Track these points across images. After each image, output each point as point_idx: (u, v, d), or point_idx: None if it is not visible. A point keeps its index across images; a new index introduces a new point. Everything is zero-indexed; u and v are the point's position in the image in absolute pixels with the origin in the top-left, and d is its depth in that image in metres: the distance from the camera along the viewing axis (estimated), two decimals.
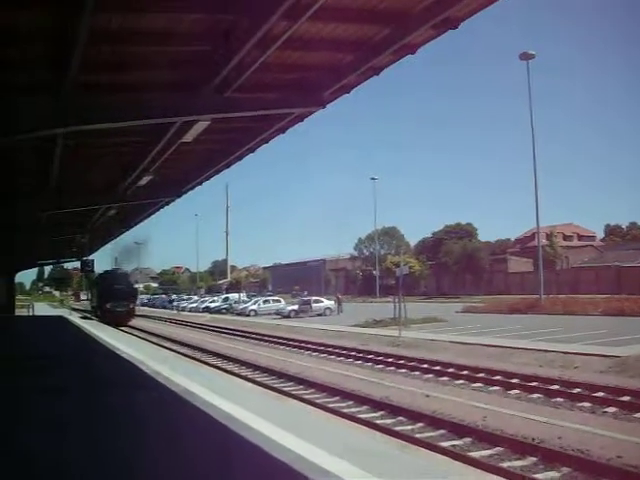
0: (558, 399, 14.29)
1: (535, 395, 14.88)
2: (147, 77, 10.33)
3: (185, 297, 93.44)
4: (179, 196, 23.03)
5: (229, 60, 9.17)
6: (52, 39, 8.22)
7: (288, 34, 8.64)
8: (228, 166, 18.96)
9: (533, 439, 10.69)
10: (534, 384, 16.01)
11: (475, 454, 10.07)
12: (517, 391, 15.47)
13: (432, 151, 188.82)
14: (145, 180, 18.17)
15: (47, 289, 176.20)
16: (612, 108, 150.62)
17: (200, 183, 21.47)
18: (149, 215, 30.22)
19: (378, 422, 12.41)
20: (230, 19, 8.49)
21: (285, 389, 16.77)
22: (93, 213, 24.66)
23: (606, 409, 13.09)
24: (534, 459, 9.64)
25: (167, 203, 25.65)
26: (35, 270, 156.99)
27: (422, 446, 9.81)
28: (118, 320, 45.92)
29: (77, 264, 62.84)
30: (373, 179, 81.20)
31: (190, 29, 8.69)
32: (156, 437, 7.95)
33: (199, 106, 10.99)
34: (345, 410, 13.72)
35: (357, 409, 14.06)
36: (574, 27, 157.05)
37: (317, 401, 14.81)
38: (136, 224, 35.09)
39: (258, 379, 18.83)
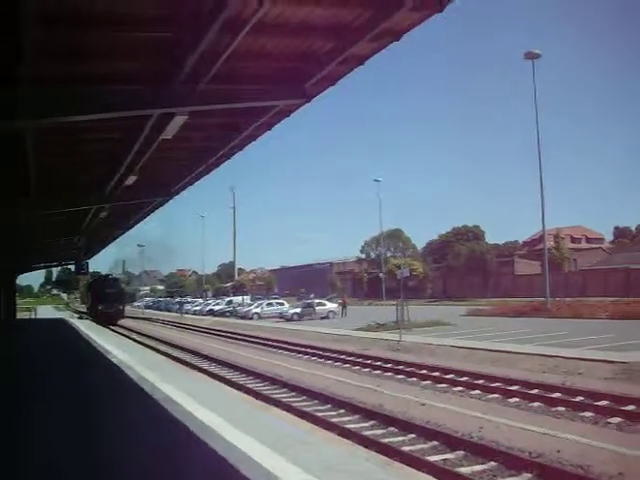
0: (559, 408, 13.62)
1: (536, 404, 14.21)
2: (109, 67, 9.67)
3: (189, 300, 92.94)
4: (170, 197, 22.46)
5: (196, 47, 8.53)
6: None
7: (258, 16, 7.97)
8: (217, 165, 18.36)
9: (530, 453, 10.05)
10: (535, 392, 15.37)
11: (466, 469, 9.41)
12: (517, 399, 14.80)
13: (439, 153, 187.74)
14: (131, 180, 17.57)
15: (55, 291, 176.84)
16: (619, 110, 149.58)
17: (190, 183, 20.87)
18: (144, 216, 29.65)
19: (367, 433, 11.78)
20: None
21: (274, 396, 16.16)
22: (84, 215, 24.14)
23: (609, 419, 12.41)
24: (529, 475, 8.96)
25: (160, 204, 25.11)
26: (43, 273, 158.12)
27: (408, 463, 9.14)
28: (109, 320, 52.96)
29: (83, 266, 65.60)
30: (376, 181, 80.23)
31: (154, 13, 8.05)
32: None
33: (171, 98, 10.32)
34: (334, 420, 13.09)
35: (348, 418, 13.44)
36: (582, 30, 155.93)
37: (306, 409, 14.20)
38: (131, 226, 34.57)
39: (249, 385, 18.26)
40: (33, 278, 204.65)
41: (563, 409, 13.49)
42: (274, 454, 7.90)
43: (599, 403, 13.67)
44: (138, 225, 34.59)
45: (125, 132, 13.37)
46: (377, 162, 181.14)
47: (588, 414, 12.88)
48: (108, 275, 66.79)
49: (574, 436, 11.04)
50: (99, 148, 15.07)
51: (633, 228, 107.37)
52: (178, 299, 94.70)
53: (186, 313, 76.12)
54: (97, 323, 49.12)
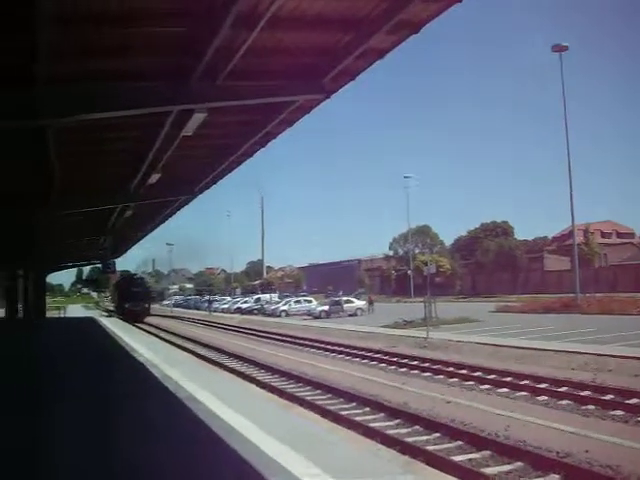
0: (589, 406, 13.31)
1: (564, 402, 13.91)
2: (126, 64, 9.60)
3: (218, 298, 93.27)
4: (194, 195, 22.46)
5: (211, 42, 8.42)
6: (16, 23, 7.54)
7: (273, 10, 7.85)
8: (239, 162, 18.27)
9: (557, 453, 9.79)
10: (564, 389, 15.08)
11: (491, 470, 9.19)
12: (545, 397, 14.51)
13: (468, 149, 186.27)
14: (154, 178, 17.56)
15: (85, 290, 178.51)
16: None
17: (214, 181, 20.81)
18: (169, 215, 29.67)
19: (391, 432, 11.60)
20: None
21: (298, 394, 16.03)
22: (110, 214, 24.24)
23: None
24: (556, 476, 8.72)
25: (185, 202, 25.10)
26: (74, 272, 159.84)
27: (431, 463, 8.96)
28: (136, 317, 55.89)
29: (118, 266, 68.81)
30: (406, 177, 79.93)
31: (169, 7, 7.96)
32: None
33: (189, 94, 10.24)
34: (359, 418, 12.93)
35: (372, 417, 13.26)
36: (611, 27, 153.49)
37: (330, 408, 14.04)
38: (158, 224, 34.64)
39: (274, 383, 18.15)
40: (64, 277, 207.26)
41: (592, 407, 13.18)
42: (293, 452, 7.79)
43: (629, 401, 13.34)
44: (165, 224, 34.78)
45: (146, 130, 13.34)
46: (406, 159, 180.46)
47: (618, 412, 12.57)
48: (134, 274, 70.12)
49: (604, 435, 10.77)
50: (121, 146, 15.07)
51: None
52: (207, 297, 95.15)
53: (214, 311, 76.42)
54: (124, 321, 51.63)
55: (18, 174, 15.80)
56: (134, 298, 60.27)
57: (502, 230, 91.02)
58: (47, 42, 7.71)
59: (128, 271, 76.39)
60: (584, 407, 13.30)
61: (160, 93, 10.20)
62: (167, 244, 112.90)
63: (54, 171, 15.18)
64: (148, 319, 59.33)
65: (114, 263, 49.49)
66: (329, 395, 16.01)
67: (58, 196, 18.18)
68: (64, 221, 24.32)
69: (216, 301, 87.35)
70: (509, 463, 9.54)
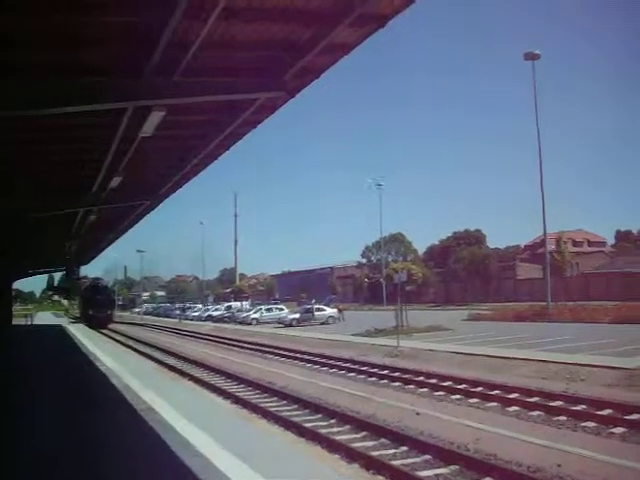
0: (560, 417, 13.01)
1: (535, 412, 13.60)
2: (72, 57, 8.97)
3: (189, 305, 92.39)
4: (159, 199, 21.85)
5: (163, 32, 7.88)
6: None
7: None
8: (205, 164, 17.69)
9: (528, 467, 9.41)
10: (535, 399, 14.77)
11: None
12: (516, 408, 14.18)
13: (440, 156, 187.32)
14: (115, 182, 16.96)
15: (56, 298, 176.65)
16: (621, 111, 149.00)
17: (179, 185, 20.19)
18: (135, 221, 28.93)
19: (356, 445, 11.14)
20: None
21: (262, 405, 15.52)
22: (73, 218, 23.52)
23: (613, 429, 11.78)
24: None
25: (151, 207, 24.45)
26: (45, 279, 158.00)
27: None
28: (99, 323, 58.98)
29: (86, 272, 71.74)
30: (379, 185, 79.59)
31: None
32: None
33: (143, 90, 9.73)
34: (323, 430, 12.46)
35: (338, 429, 12.80)
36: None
37: (294, 419, 13.55)
38: (124, 231, 33.85)
39: (239, 394, 17.57)
40: (35, 284, 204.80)
41: (564, 418, 12.88)
42: (247, 469, 7.40)
43: (602, 412, 13.04)
44: (136, 230, 33.97)
45: (102, 129, 12.72)
46: (378, 165, 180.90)
47: (591, 424, 12.26)
48: (98, 283, 71.64)
49: (576, 448, 10.43)
50: (75, 147, 14.43)
51: (635, 232, 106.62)
52: (177, 305, 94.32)
53: (185, 319, 75.62)
54: (89, 327, 55.82)
55: None
56: (98, 305, 62.93)
57: (475, 239, 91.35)
58: None
59: (99, 278, 76.84)
60: (555, 418, 12.99)
61: (112, 88, 9.64)
62: (138, 251, 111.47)
63: (7, 170, 14.55)
64: (116, 327, 60.45)
65: (78, 269, 49.70)
66: (295, 406, 15.53)
67: (18, 197, 17.52)
68: (28, 225, 23.58)
69: (187, 309, 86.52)
70: (478, 479, 9.14)
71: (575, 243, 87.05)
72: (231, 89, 10.59)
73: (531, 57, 40.81)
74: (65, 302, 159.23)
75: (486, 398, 15.41)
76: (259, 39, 9.25)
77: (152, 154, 15.63)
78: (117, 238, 38.92)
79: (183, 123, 13.62)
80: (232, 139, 15.00)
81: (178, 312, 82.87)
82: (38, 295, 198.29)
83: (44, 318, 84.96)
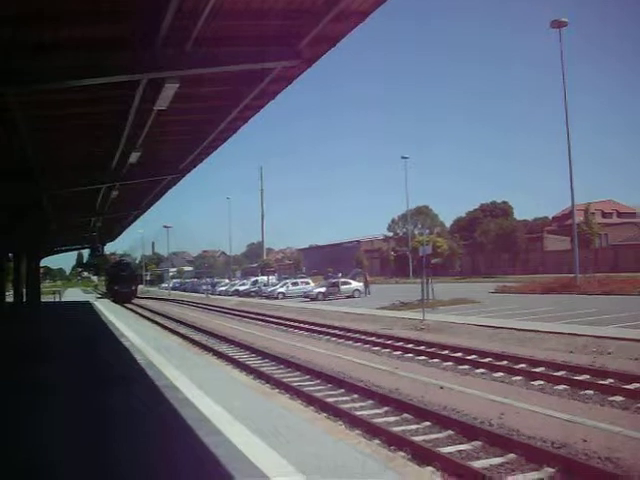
0: (587, 391, 12.69)
1: (561, 386, 13.30)
2: (83, 32, 8.80)
3: (216, 280, 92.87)
4: (180, 174, 21.74)
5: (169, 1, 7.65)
6: None
7: None
8: (224, 140, 17.54)
9: (553, 443, 9.16)
10: (561, 373, 14.49)
11: (481, 463, 8.57)
12: (541, 382, 13.89)
13: (467, 129, 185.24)
14: (134, 157, 16.82)
15: (85, 274, 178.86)
16: None
17: (200, 159, 20.06)
18: (158, 196, 28.92)
19: (378, 421, 10.99)
20: None
21: (285, 380, 15.43)
22: (96, 195, 23.54)
23: None
24: (550, 470, 8.09)
25: (173, 182, 24.37)
26: (75, 256, 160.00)
27: (416, 457, 8.34)
28: (123, 298, 62.58)
29: (112, 249, 75.57)
30: (404, 157, 79.05)
31: None
32: None
33: (156, 62, 9.49)
34: (345, 406, 12.32)
35: (360, 404, 12.66)
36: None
37: (316, 395, 13.42)
38: (148, 206, 33.86)
39: (262, 368, 17.54)
40: (66, 261, 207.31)
41: (591, 392, 12.57)
42: (269, 449, 7.25)
43: (630, 386, 12.72)
44: (162, 206, 34.13)
45: (117, 104, 12.60)
46: (405, 140, 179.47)
47: (618, 398, 11.96)
48: (123, 260, 78.06)
49: (602, 423, 10.15)
50: (93, 122, 14.30)
51: None
52: (204, 280, 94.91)
53: (212, 294, 76.09)
54: (114, 302, 58.85)
55: None
56: (122, 281, 67.46)
57: (502, 211, 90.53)
58: None
59: (127, 254, 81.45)
60: (582, 392, 12.70)
61: (122, 61, 9.46)
62: (164, 227, 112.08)
63: (26, 149, 14.47)
64: (144, 302, 62.42)
65: (102, 247, 51.33)
66: (317, 381, 15.42)
67: (39, 174, 17.48)
68: (52, 203, 23.66)
69: (216, 283, 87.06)
70: (500, 455, 8.93)
71: (604, 214, 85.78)
72: (245, 59, 10.36)
73: (557, 25, 39.95)
74: (94, 278, 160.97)
75: (512, 372, 15.14)
76: (273, 7, 8.98)
77: (169, 128, 15.48)
78: (142, 214, 39.01)
79: (198, 96, 13.42)
80: (250, 111, 14.77)
81: (205, 287, 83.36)
82: (68, 272, 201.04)
83: (73, 294, 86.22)
